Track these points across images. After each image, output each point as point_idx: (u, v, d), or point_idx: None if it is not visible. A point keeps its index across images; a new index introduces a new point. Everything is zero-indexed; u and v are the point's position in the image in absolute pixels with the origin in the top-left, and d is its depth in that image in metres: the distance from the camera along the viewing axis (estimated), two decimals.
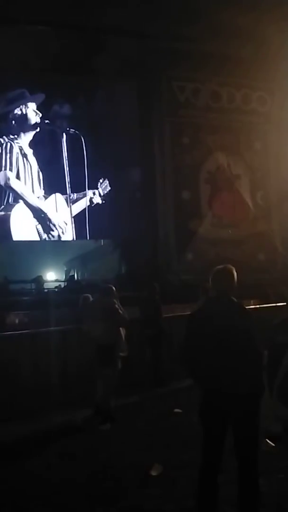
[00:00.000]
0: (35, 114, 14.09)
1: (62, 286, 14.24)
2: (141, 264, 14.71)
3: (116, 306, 6.28)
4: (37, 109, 14.18)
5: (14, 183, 13.99)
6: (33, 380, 6.83)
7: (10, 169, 13.95)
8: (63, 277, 16.15)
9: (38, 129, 14.16)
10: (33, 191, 14.28)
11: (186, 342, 3.50)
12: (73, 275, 16.21)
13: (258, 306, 9.92)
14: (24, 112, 14.04)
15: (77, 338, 7.06)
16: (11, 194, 14.02)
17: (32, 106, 14.12)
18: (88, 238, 14.48)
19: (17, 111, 14.03)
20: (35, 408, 6.36)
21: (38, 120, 14.16)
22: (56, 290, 13.69)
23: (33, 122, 14.11)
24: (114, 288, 6.54)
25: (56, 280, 15.50)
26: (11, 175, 13.95)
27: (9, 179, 13.89)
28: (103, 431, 5.86)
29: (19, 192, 14.01)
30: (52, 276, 16.52)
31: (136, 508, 3.87)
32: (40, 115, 14.14)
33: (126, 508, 3.89)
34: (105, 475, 4.52)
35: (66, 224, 14.48)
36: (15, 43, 12.72)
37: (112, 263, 15.68)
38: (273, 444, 4.70)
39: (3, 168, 13.94)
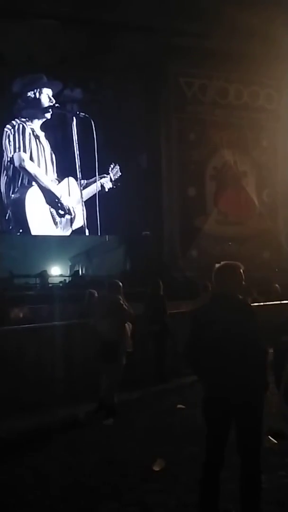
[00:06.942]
0: (48, 100, 14.00)
1: (67, 281, 14.27)
2: (146, 260, 14.72)
3: (121, 302, 6.27)
4: (52, 96, 14.07)
5: (28, 165, 13.84)
6: (37, 374, 6.85)
7: (24, 151, 13.82)
8: (67, 272, 16.19)
9: (49, 112, 14.11)
10: (46, 174, 14.17)
11: (190, 340, 3.48)
12: (78, 271, 16.27)
13: (262, 303, 9.90)
14: (37, 97, 13.94)
15: (81, 333, 7.07)
16: (24, 176, 13.87)
17: (47, 91, 14.00)
18: (98, 223, 14.35)
19: (31, 94, 13.91)
20: (39, 402, 6.38)
21: (50, 106, 14.11)
22: (61, 285, 13.72)
23: (45, 107, 14.05)
24: (120, 284, 6.52)
25: (61, 275, 15.55)
26: (26, 156, 13.80)
27: (23, 160, 13.75)
28: (106, 426, 5.87)
29: (33, 174, 13.87)
30: (56, 271, 16.58)
31: (138, 503, 3.88)
32: (54, 101, 14.05)
33: (128, 502, 3.91)
34: (108, 470, 4.53)
35: (77, 209, 14.40)
36: (24, 36, 12.76)
37: (117, 259, 15.70)
38: (275, 441, 4.73)
39: (17, 150, 13.79)
